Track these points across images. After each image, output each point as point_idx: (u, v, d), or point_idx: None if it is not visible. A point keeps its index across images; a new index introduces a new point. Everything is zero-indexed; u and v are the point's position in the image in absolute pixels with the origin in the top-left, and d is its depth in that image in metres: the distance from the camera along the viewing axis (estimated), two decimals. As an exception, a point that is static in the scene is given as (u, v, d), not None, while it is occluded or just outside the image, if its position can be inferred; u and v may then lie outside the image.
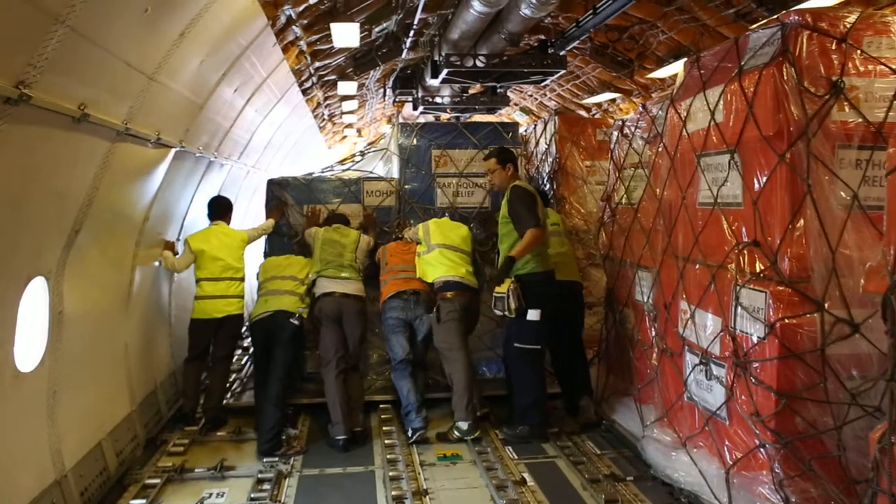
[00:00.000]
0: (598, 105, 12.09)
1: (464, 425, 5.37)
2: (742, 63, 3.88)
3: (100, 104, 3.49)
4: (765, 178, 3.71)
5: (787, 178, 3.58)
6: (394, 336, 5.78)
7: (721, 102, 4.08)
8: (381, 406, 6.08)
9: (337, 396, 5.31)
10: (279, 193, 6.70)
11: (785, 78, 3.55)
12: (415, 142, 6.94)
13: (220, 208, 6.10)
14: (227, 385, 6.24)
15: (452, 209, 6.82)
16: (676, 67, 8.58)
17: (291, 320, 5.40)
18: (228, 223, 6.12)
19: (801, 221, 3.55)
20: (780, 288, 3.59)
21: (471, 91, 11.22)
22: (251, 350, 7.60)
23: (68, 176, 3.60)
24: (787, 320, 3.54)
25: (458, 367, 5.49)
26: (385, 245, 6.27)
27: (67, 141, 3.40)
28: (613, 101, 11.60)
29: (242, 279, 5.93)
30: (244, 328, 6.92)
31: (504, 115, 13.83)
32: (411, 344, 5.81)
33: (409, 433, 5.40)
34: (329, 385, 5.39)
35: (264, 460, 4.96)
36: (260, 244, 6.80)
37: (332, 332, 5.55)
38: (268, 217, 6.57)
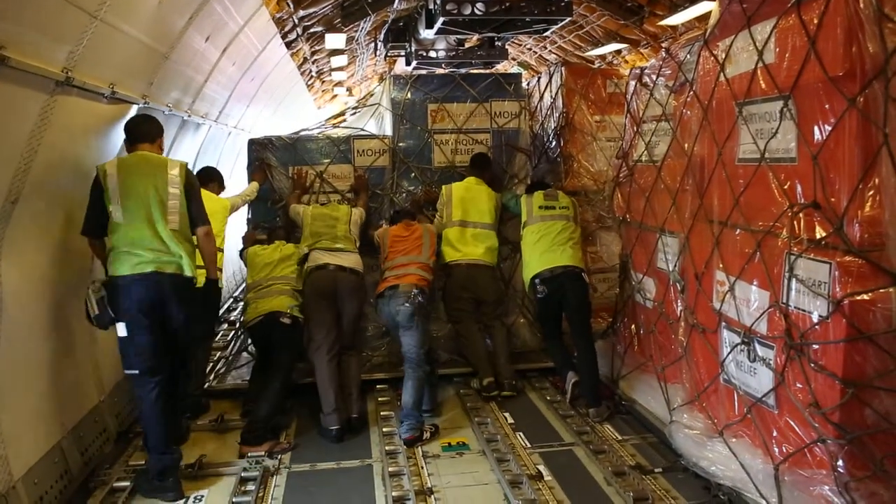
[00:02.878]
0: (602, 57, 11.41)
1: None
2: (801, -11, 3.26)
3: (25, 46, 2.85)
4: (828, 128, 3.12)
5: (859, 126, 2.99)
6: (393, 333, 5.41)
7: (772, 40, 3.46)
8: (378, 387, 5.56)
9: (329, 384, 4.76)
10: (261, 154, 6.08)
11: (861, 4, 2.93)
12: (409, 95, 6.33)
13: (205, 176, 5.56)
14: (209, 367, 5.71)
15: (451, 168, 6.26)
16: (693, 13, 7.96)
17: (282, 319, 4.85)
18: (216, 192, 5.54)
19: (875, 179, 2.97)
20: (848, 258, 3.03)
21: (467, 44, 10.55)
22: (237, 325, 7.09)
23: (-8, 135, 2.97)
24: (856, 296, 2.99)
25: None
26: (388, 228, 5.58)
27: (-15, 91, 2.77)
28: (619, 52, 10.93)
29: (220, 250, 5.32)
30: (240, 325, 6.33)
31: (501, 70, 13.14)
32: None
33: None
34: (320, 371, 4.83)
35: (249, 455, 4.42)
36: (243, 211, 6.21)
37: (323, 310, 5.00)
38: (251, 181, 5.98)
